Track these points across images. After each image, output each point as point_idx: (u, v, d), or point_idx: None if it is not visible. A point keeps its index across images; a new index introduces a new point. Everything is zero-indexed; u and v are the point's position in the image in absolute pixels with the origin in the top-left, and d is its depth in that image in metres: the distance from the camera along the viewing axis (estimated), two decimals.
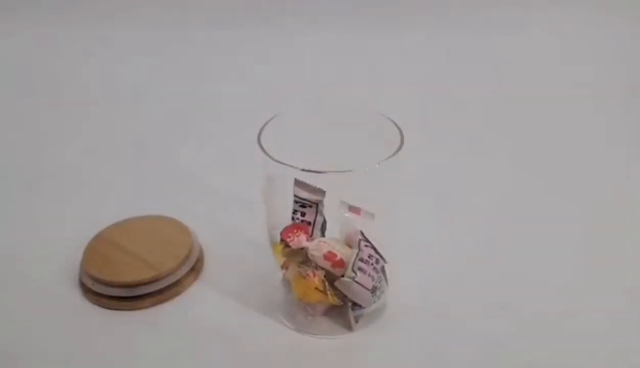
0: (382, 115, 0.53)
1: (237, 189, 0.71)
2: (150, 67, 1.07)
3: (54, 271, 0.62)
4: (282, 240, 0.53)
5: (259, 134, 0.51)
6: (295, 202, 0.53)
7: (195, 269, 0.62)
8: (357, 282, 0.51)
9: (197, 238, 0.64)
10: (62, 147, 0.86)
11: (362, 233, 0.53)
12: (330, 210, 0.53)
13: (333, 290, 0.53)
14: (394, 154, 0.48)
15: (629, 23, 1.07)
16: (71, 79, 1.05)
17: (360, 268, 0.52)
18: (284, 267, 0.55)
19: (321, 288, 0.52)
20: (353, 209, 0.54)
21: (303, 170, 0.48)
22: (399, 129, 0.50)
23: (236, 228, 0.67)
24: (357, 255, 0.52)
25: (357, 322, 0.55)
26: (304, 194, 0.53)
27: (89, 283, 0.59)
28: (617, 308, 0.57)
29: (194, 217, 0.66)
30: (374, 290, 0.53)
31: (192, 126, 0.92)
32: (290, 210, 0.53)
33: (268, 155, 0.49)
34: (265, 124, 0.52)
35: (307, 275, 0.52)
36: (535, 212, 0.71)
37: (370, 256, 0.53)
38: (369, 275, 0.52)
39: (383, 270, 0.55)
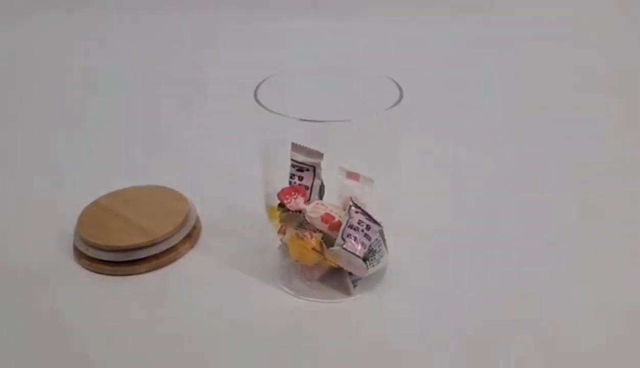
0: (382, 76, 0.52)
1: (234, 163, 0.71)
2: (149, 51, 1.07)
3: (48, 237, 0.62)
4: (279, 202, 0.52)
5: (256, 90, 0.50)
6: (292, 166, 0.53)
7: (192, 236, 0.61)
8: (345, 249, 0.50)
9: (195, 207, 0.63)
10: (63, 123, 0.87)
11: (352, 200, 0.52)
12: (329, 173, 0.52)
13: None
14: (393, 106, 0.47)
15: None
16: (74, 60, 1.06)
17: (349, 235, 0.51)
18: (281, 232, 0.54)
19: (318, 248, 0.51)
20: (352, 175, 0.54)
21: (302, 119, 0.47)
22: (397, 85, 0.49)
23: (233, 200, 0.66)
24: (347, 222, 0.51)
25: (355, 286, 0.54)
26: (301, 158, 0.52)
27: (83, 249, 0.58)
28: (610, 292, 0.56)
29: (191, 188, 0.65)
30: (368, 256, 0.52)
31: (191, 103, 0.92)
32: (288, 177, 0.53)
33: (265, 107, 0.48)
34: (261, 82, 0.51)
35: (305, 236, 0.52)
36: (534, 186, 0.71)
37: (360, 222, 0.51)
38: (359, 241, 0.51)
39: (382, 234, 0.54)
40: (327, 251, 0.51)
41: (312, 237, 0.51)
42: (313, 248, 0.51)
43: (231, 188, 0.68)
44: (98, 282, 0.57)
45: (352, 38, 1.06)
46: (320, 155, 0.52)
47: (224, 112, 0.86)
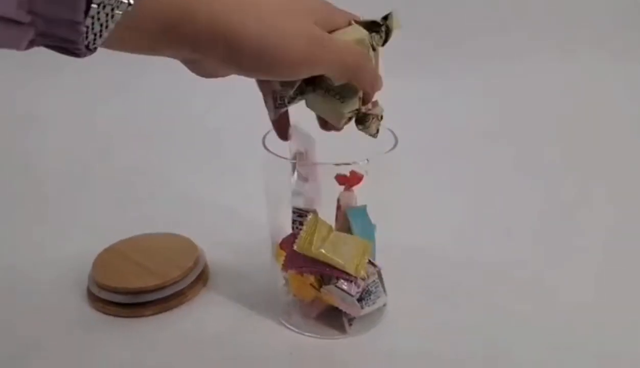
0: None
1: (241, 209, 0.76)
2: (160, 104, 1.13)
3: (63, 282, 0.65)
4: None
5: (264, 138, 0.54)
6: (293, 212, 0.56)
7: (201, 281, 0.63)
8: (338, 287, 0.53)
9: (203, 253, 0.66)
10: (81, 170, 0.92)
11: None
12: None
13: None
14: (389, 150, 0.51)
15: None
16: (90, 113, 1.12)
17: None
18: (284, 269, 0.57)
19: (315, 284, 0.54)
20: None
21: (301, 163, 0.50)
22: (392, 133, 0.53)
23: (241, 244, 0.69)
24: None
25: (350, 325, 0.56)
26: (301, 203, 0.56)
27: (96, 291, 0.61)
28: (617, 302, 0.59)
29: (200, 235, 0.68)
30: (363, 296, 0.54)
31: (201, 154, 0.97)
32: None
33: (271, 152, 0.51)
34: (269, 131, 0.55)
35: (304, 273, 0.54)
36: (533, 229, 0.73)
37: None
38: (354, 282, 0.53)
39: (380, 275, 0.57)
40: (322, 288, 0.53)
41: (311, 274, 0.54)
42: (311, 284, 0.54)
43: (239, 232, 0.71)
44: (109, 323, 0.59)
45: None
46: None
47: (229, 162, 0.91)
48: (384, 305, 0.57)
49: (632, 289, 0.62)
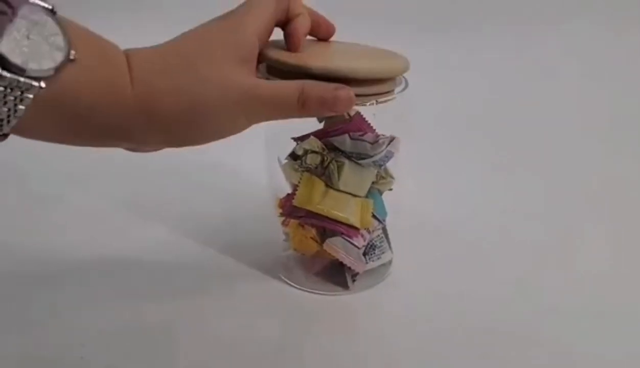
0: None
1: (239, 165, 0.72)
2: None
3: None
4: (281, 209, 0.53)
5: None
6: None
7: None
8: (344, 238, 0.50)
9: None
10: None
11: None
12: None
13: None
14: (399, 92, 0.47)
15: None
16: None
17: None
18: (285, 224, 0.54)
19: (317, 238, 0.51)
20: None
21: None
22: (404, 77, 0.50)
23: (238, 202, 0.66)
24: None
25: (354, 281, 0.53)
26: None
27: None
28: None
29: (196, 189, 0.66)
30: (367, 250, 0.52)
31: None
32: None
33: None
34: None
35: (305, 225, 0.51)
36: (546, 195, 0.71)
37: None
38: (360, 233, 0.51)
39: (385, 231, 0.54)
40: (326, 241, 0.50)
41: (312, 227, 0.51)
42: (312, 238, 0.51)
43: (236, 187, 0.68)
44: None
45: None
46: None
47: None
48: (389, 261, 0.54)
49: None
